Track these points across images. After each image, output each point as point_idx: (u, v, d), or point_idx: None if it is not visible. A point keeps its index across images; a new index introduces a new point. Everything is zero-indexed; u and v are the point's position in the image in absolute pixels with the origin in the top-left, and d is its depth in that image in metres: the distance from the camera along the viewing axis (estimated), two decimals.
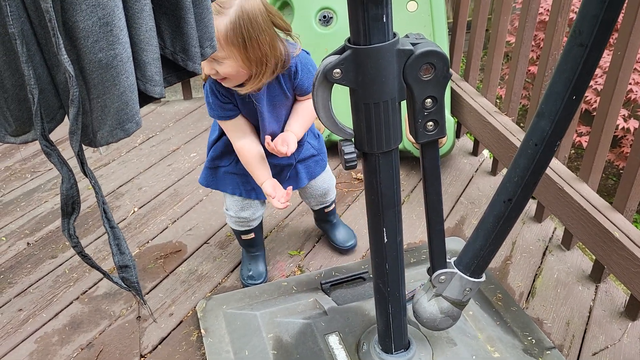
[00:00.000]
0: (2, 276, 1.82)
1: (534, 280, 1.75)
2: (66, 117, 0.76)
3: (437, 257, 1.24)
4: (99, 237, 1.98)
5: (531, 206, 2.04)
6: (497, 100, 3.63)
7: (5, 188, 2.26)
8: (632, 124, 2.89)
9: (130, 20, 0.67)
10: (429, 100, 1.00)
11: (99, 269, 0.86)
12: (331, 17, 2.31)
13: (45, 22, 0.66)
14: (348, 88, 0.98)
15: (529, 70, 3.34)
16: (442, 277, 1.24)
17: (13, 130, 0.75)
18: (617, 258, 1.51)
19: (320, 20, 2.33)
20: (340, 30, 2.28)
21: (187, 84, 2.92)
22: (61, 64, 0.65)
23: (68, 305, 1.70)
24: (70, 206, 0.78)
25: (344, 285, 1.69)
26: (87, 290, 1.76)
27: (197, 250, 1.91)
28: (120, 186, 2.25)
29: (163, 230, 2.00)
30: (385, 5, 0.89)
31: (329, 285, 1.68)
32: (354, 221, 2.03)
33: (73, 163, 0.79)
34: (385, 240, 1.15)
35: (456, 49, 2.41)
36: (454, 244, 1.83)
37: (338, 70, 0.95)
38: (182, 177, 2.30)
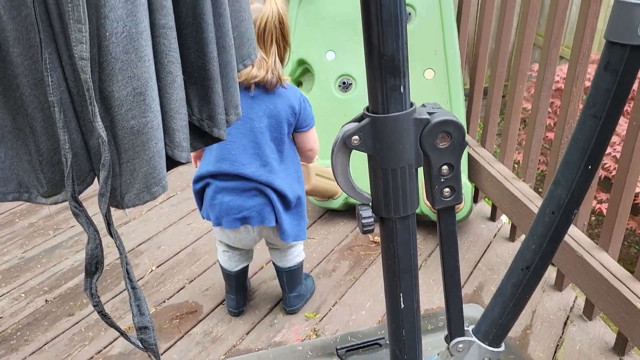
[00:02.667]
0: (19, 333, 1.83)
1: (555, 352, 1.70)
2: (95, 179, 0.80)
3: (454, 325, 1.22)
4: (116, 296, 1.99)
5: (551, 274, 2.01)
6: (515, 165, 3.65)
7: (28, 244, 2.30)
8: None
9: (162, 90, 0.72)
10: (445, 167, 1.02)
11: (117, 328, 0.87)
12: (350, 84, 2.38)
13: (83, 91, 0.70)
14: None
15: (547, 137, 3.37)
16: (460, 345, 1.22)
17: (44, 192, 0.78)
18: None
19: (340, 86, 2.41)
20: (359, 96, 2.35)
21: None
22: (95, 130, 0.69)
23: None
24: (94, 266, 0.80)
25: (360, 351, 1.67)
26: (102, 350, 1.75)
27: (212, 310, 1.90)
28: (140, 244, 2.27)
29: (179, 290, 2.00)
30: (403, 77, 0.93)
31: (344, 351, 1.65)
32: (371, 284, 2.01)
33: (96, 219, 0.82)
34: (402, 305, 1.14)
35: (473, 115, 2.46)
36: (472, 311, 1.80)
37: (357, 137, 0.98)
38: (200, 236, 2.32)
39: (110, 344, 1.77)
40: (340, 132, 0.99)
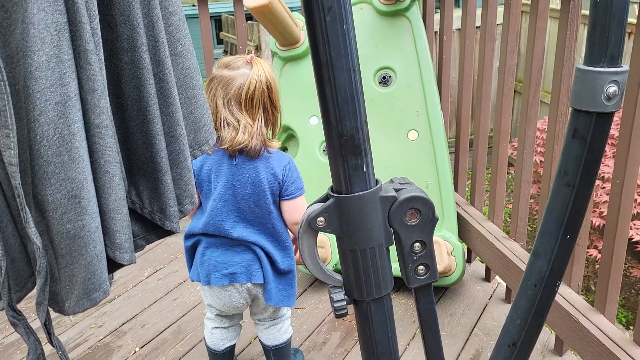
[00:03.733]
0: None
1: None
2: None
3: None
4: None
5: (550, 338, 1.92)
6: (507, 219, 3.60)
7: (9, 329, 2.22)
8: None
9: (100, 191, 0.68)
10: (417, 244, 0.98)
11: None
12: None
13: None
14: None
15: (539, 188, 3.34)
16: None
17: None
18: None
19: (324, 150, 2.40)
20: None
21: None
22: (29, 236, 0.65)
23: None
24: None
25: None
26: None
27: None
28: (124, 324, 2.19)
29: None
30: (365, 155, 0.90)
31: None
32: None
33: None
34: None
35: (460, 174, 2.43)
36: None
37: (322, 218, 0.94)
38: (187, 312, 2.25)
39: None
40: (305, 214, 0.96)
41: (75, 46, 0.64)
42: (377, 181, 0.95)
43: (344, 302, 1.00)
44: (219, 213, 1.51)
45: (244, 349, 2.01)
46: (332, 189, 0.95)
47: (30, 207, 0.66)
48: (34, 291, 0.75)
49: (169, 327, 2.16)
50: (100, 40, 0.69)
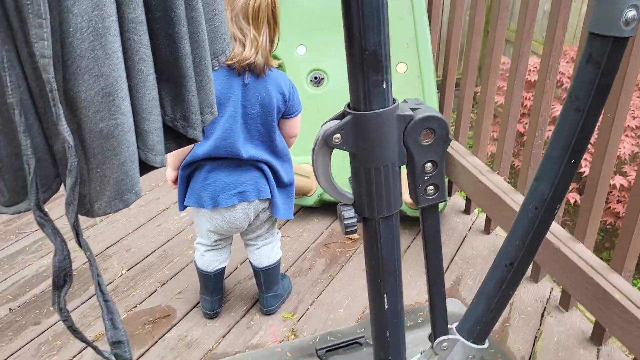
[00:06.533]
0: None
1: (534, 344, 1.70)
2: (62, 186, 0.74)
3: (438, 324, 1.20)
4: (85, 302, 1.91)
5: None
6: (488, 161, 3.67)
7: None
8: (618, 180, 2.92)
9: (133, 90, 0.66)
10: (429, 164, 0.99)
11: (89, 343, 0.81)
12: (322, 78, 2.34)
13: (45, 92, 0.65)
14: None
15: (518, 130, 3.39)
16: (445, 344, 1.20)
17: (6, 201, 0.72)
18: (619, 320, 1.48)
19: (311, 81, 2.37)
20: (332, 90, 2.31)
21: None
22: (60, 133, 0.64)
23: None
24: (62, 279, 0.74)
25: (340, 350, 1.64)
26: (71, 359, 1.68)
27: (186, 314, 1.85)
28: (108, 247, 2.19)
29: (151, 294, 1.94)
30: (386, 72, 0.90)
31: (324, 351, 1.62)
32: (348, 282, 1.99)
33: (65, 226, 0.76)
34: (387, 306, 1.11)
35: (445, 108, 2.44)
36: (452, 306, 1.79)
37: (338, 135, 0.94)
38: (171, 237, 2.25)
39: (79, 352, 1.70)
40: (320, 131, 0.95)
41: None
42: (394, 100, 0.95)
43: (354, 220, 1.02)
44: (231, 134, 1.51)
45: (231, 273, 2.04)
46: (348, 105, 0.95)
47: (62, 104, 0.63)
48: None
49: (154, 251, 2.17)
50: None
